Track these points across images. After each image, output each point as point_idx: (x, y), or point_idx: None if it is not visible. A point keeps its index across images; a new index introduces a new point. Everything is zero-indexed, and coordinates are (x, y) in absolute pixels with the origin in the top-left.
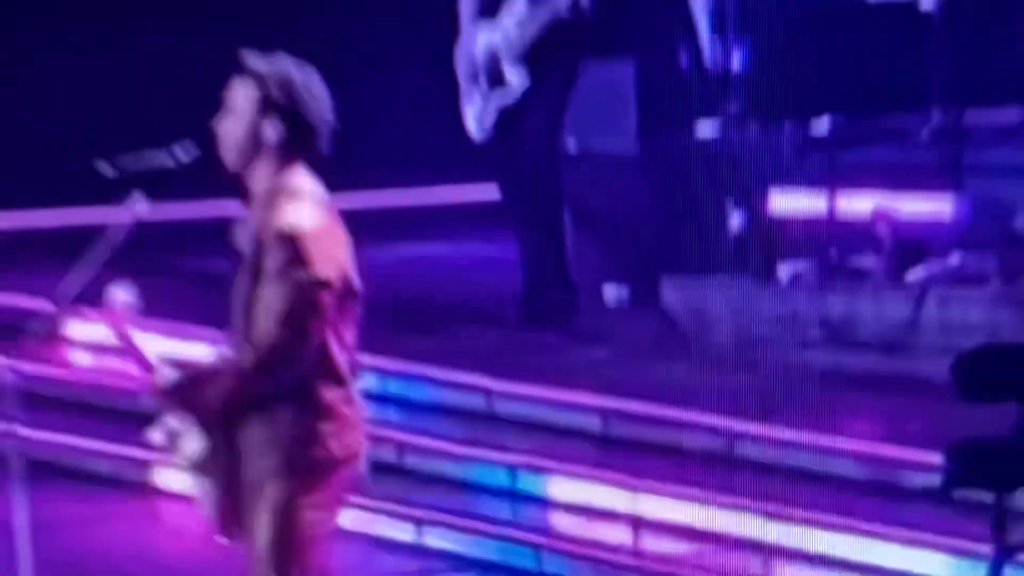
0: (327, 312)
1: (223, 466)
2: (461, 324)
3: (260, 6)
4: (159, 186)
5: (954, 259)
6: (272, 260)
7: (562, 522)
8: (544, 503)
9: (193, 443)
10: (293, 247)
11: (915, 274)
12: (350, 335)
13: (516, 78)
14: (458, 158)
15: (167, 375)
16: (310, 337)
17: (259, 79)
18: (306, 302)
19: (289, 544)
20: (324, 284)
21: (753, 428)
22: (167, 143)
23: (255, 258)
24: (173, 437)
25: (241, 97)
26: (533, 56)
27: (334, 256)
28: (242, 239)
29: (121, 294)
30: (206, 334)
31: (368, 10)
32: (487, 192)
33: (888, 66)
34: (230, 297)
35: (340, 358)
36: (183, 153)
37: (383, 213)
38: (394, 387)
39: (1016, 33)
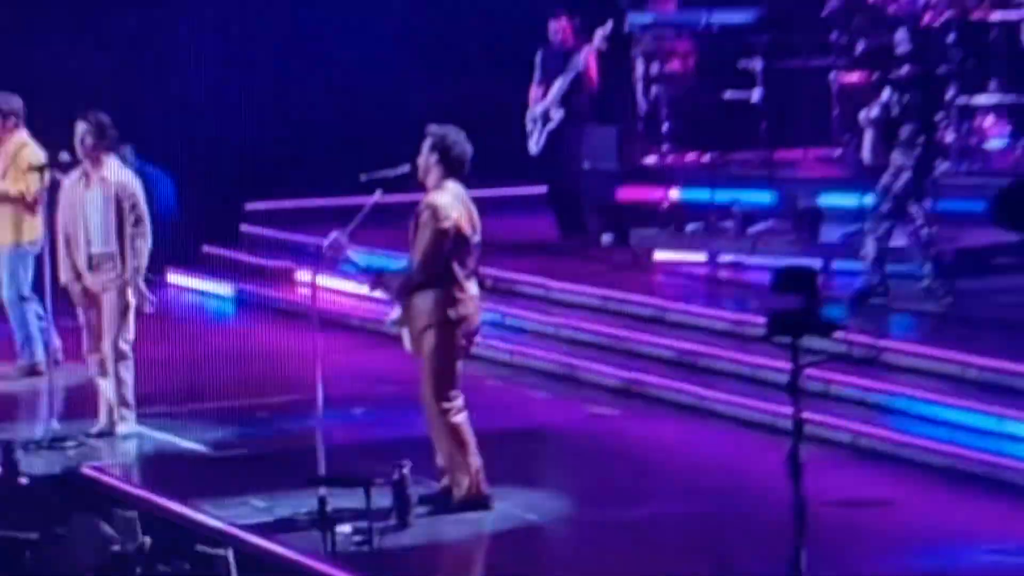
0: (448, 247)
1: (407, 321)
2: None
3: None
4: (391, 185)
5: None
6: (423, 219)
7: None
8: None
9: (396, 312)
10: (430, 212)
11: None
12: (471, 260)
13: (555, 114)
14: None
15: (378, 277)
16: (437, 259)
17: (431, 135)
18: (436, 241)
19: (437, 362)
20: (445, 232)
21: None
22: (395, 163)
23: (417, 217)
24: (393, 314)
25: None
26: (566, 108)
27: (454, 219)
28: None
29: (341, 237)
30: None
31: None
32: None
33: None
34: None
35: (459, 271)
36: (403, 169)
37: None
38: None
39: None
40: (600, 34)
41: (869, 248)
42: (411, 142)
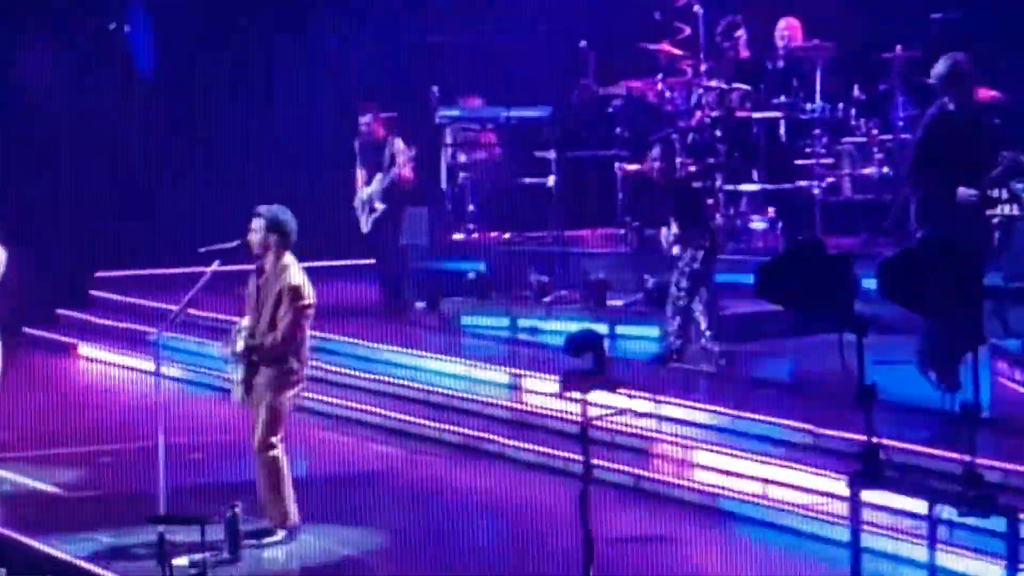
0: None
1: (248, 379)
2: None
3: None
4: (227, 256)
5: (563, 292)
6: (284, 297)
7: None
8: None
9: (239, 371)
10: (293, 292)
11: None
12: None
13: (379, 206)
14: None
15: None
16: (298, 333)
17: (264, 217)
18: (298, 319)
19: (274, 413)
20: (307, 309)
21: None
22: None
23: (263, 289)
24: (236, 375)
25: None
26: (386, 199)
27: (313, 297)
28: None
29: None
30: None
31: None
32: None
33: None
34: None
35: (305, 340)
36: (235, 244)
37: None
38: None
39: None
40: (409, 154)
41: (672, 319)
42: (242, 219)
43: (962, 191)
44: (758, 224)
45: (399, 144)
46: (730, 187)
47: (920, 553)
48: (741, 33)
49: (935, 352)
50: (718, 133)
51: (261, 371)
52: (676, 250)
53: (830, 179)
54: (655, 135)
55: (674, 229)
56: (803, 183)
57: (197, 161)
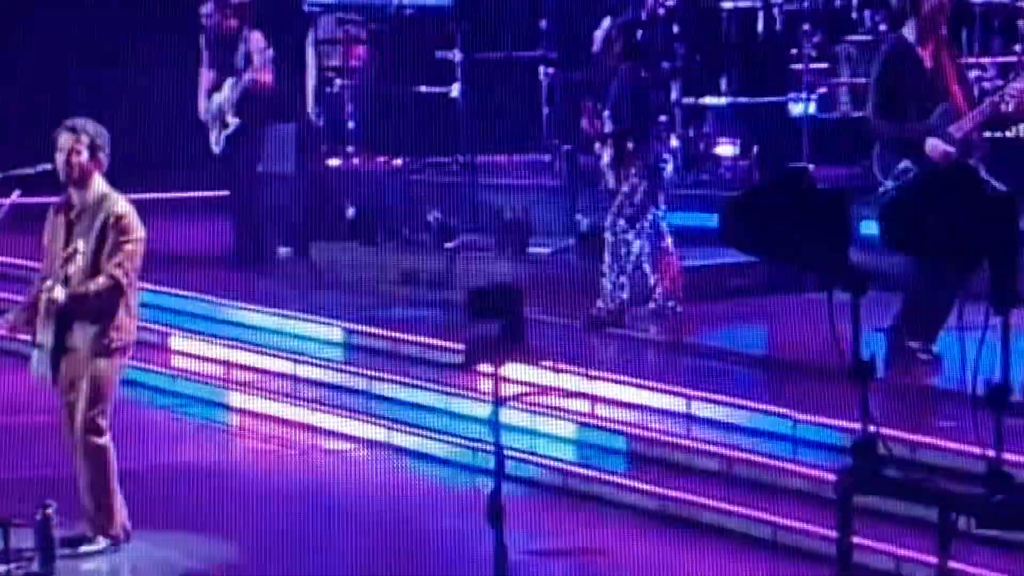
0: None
1: (58, 345)
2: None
3: None
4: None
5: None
6: (109, 229)
7: None
8: None
9: (46, 334)
10: (122, 222)
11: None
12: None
13: (232, 121)
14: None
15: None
16: (132, 276)
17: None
18: (134, 255)
19: (100, 390)
20: (139, 244)
21: None
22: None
23: (74, 224)
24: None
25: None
26: (240, 111)
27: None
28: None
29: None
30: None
31: None
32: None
33: None
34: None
35: (132, 294)
36: (40, 168)
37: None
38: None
39: None
40: (269, 53)
41: (609, 270)
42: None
43: (932, 143)
44: (726, 149)
45: (257, 39)
46: (690, 100)
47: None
48: None
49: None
50: (675, 28)
51: (77, 331)
52: (612, 179)
53: (822, 90)
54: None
55: (608, 149)
56: (787, 96)
57: None
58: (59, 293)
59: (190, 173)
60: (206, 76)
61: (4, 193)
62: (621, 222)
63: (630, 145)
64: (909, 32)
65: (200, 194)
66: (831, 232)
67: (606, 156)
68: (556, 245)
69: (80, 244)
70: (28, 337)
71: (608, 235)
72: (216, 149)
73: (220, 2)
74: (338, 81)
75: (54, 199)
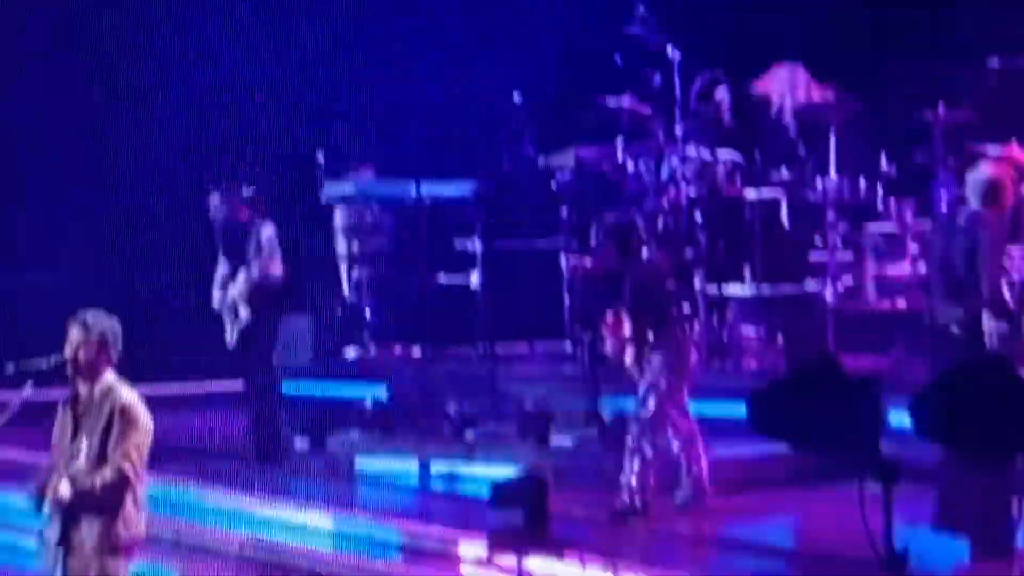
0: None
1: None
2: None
3: None
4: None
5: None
6: (116, 419)
7: None
8: None
9: (53, 530)
10: (128, 412)
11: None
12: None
13: (244, 313)
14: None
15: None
16: (139, 468)
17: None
18: (139, 447)
19: None
20: (146, 435)
21: None
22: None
23: (107, 421)
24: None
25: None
26: (252, 303)
27: (150, 422)
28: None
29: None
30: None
31: None
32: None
33: None
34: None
35: (141, 487)
36: (53, 361)
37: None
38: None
39: None
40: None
41: (631, 459)
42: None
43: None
44: (751, 337)
45: (268, 230)
46: (714, 289)
47: None
48: (722, 95)
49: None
50: (698, 217)
51: (84, 526)
52: (632, 365)
53: (847, 280)
54: (613, 219)
55: (627, 332)
56: (812, 285)
57: None
58: (64, 490)
59: (207, 363)
60: (221, 267)
61: (16, 386)
62: (645, 412)
63: (651, 336)
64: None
65: (215, 386)
66: (862, 420)
67: (628, 357)
68: (579, 435)
69: (83, 441)
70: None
71: (632, 426)
72: (231, 342)
73: (227, 194)
74: (356, 270)
75: (65, 392)
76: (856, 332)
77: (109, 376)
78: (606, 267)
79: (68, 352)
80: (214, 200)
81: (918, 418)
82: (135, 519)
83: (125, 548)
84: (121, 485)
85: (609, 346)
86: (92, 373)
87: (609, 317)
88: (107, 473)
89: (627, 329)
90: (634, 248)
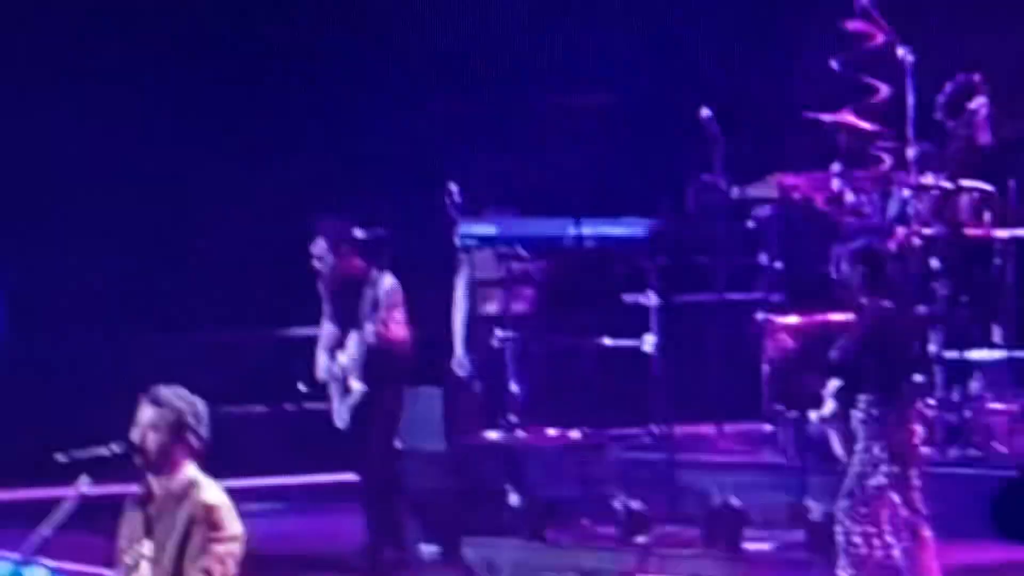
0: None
1: None
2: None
3: None
4: (99, 469)
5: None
6: (196, 523)
7: None
8: None
9: None
10: (212, 514)
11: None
12: None
13: (357, 387)
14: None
15: None
16: None
17: (167, 406)
18: (228, 556)
19: None
20: (236, 542)
21: None
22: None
23: (187, 525)
24: None
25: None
26: (367, 374)
27: (241, 527)
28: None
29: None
30: None
31: None
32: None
33: None
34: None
35: None
36: (116, 448)
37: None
38: None
39: None
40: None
41: (845, 569)
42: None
43: None
44: (1000, 415)
45: (388, 282)
46: (953, 354)
47: None
48: (981, 103)
49: None
50: (935, 263)
51: None
52: (838, 447)
53: None
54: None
55: (830, 406)
56: None
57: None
58: None
59: (302, 455)
60: (326, 330)
61: (68, 481)
62: (861, 508)
63: (872, 410)
64: None
65: (323, 479)
66: None
67: (828, 407)
68: (780, 539)
69: (146, 547)
70: None
71: (839, 533)
72: (340, 423)
73: (334, 240)
74: (499, 333)
75: (132, 489)
76: None
77: (190, 469)
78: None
79: (136, 436)
80: (319, 246)
81: None
82: None
83: None
84: None
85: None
86: (166, 464)
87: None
88: None
89: (832, 385)
90: (880, 284)
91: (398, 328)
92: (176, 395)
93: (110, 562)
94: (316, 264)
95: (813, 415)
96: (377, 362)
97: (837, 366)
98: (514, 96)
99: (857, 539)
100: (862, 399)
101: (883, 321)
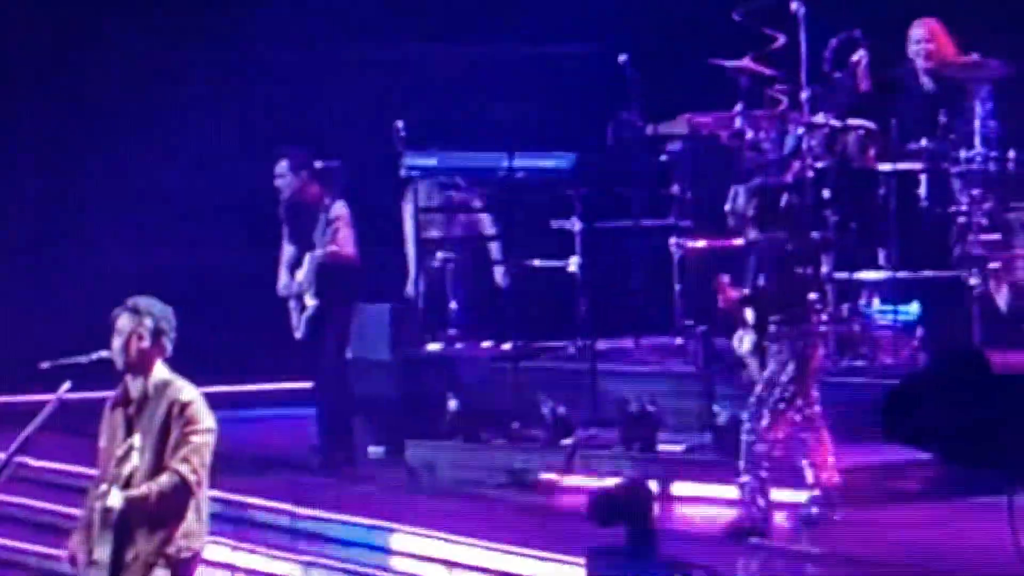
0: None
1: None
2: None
3: None
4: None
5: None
6: (174, 418)
7: None
8: None
9: (103, 548)
10: (188, 409)
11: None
12: None
13: (312, 302)
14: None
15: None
16: (203, 472)
17: (145, 312)
18: (204, 448)
19: None
20: (211, 434)
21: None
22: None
23: (164, 420)
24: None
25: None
26: (321, 290)
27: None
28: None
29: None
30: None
31: None
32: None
33: None
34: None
35: (202, 494)
36: (95, 356)
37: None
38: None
39: None
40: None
41: (748, 470)
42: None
43: None
44: (886, 328)
45: (340, 208)
46: (843, 275)
47: None
48: (861, 56)
49: None
50: (826, 193)
51: (140, 542)
52: (754, 368)
53: (996, 264)
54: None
55: (749, 318)
56: (955, 270)
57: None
58: (115, 499)
59: (270, 361)
60: (286, 251)
61: (51, 388)
62: (765, 413)
63: (772, 327)
64: None
65: (280, 386)
66: (1012, 423)
67: (746, 343)
68: (690, 441)
69: (136, 439)
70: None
71: (744, 434)
72: (298, 334)
73: (296, 167)
74: (440, 255)
75: (110, 393)
76: (1006, 323)
77: (163, 371)
78: (728, 244)
79: (117, 342)
80: (281, 168)
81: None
82: (197, 532)
83: (184, 564)
84: (181, 492)
85: (720, 302)
86: (143, 365)
87: (724, 278)
88: (164, 479)
89: (749, 315)
90: (781, 217)
91: (347, 247)
92: (152, 304)
93: (91, 462)
94: (277, 182)
95: (736, 347)
96: (328, 279)
97: (748, 299)
98: (456, 47)
99: (762, 445)
100: (771, 319)
101: (779, 250)
